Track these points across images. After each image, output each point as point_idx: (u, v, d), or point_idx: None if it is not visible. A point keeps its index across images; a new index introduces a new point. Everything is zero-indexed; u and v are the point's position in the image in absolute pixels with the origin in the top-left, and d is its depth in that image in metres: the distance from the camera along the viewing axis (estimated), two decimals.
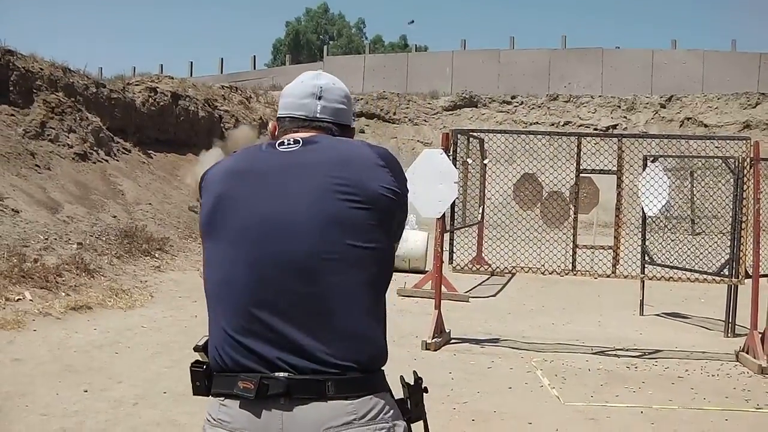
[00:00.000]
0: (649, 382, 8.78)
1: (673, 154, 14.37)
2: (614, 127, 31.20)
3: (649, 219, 12.53)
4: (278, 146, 2.52)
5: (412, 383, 2.56)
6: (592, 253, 11.51)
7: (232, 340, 2.36)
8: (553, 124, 31.72)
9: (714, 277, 10.95)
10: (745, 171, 10.43)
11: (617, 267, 10.62)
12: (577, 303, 13.81)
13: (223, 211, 2.46)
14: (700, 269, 11.41)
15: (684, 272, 11.46)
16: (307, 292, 2.32)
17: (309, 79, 2.69)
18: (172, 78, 26.99)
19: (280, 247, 2.36)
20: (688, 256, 12.11)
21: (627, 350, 10.27)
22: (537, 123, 31.71)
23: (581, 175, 11.45)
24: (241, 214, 2.43)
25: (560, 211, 11.62)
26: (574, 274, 10.74)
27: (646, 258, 12.50)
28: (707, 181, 13.76)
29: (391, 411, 2.38)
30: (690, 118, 31.79)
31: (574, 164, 11.06)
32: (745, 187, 10.47)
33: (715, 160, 12.78)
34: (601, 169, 11.10)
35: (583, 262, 11.01)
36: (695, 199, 14.93)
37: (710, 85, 33.28)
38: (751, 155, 10.31)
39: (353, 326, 2.33)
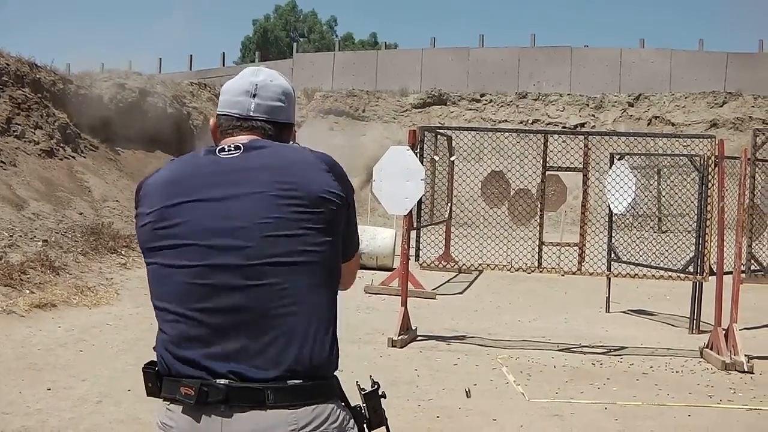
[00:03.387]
0: (613, 378, 8.83)
1: (641, 152, 14.45)
2: (582, 125, 31.25)
3: (616, 216, 12.60)
4: (219, 152, 2.48)
5: (369, 389, 2.52)
6: (559, 250, 11.57)
7: (176, 347, 2.35)
8: (521, 122, 31.76)
9: (679, 275, 11.02)
10: (710, 169, 10.50)
11: (583, 264, 10.67)
12: (543, 300, 13.87)
13: (165, 223, 2.42)
14: (666, 266, 11.49)
15: (649, 269, 11.53)
16: (251, 301, 2.30)
17: (247, 76, 2.62)
18: (141, 74, 26.85)
19: (225, 256, 2.33)
20: (655, 253, 12.20)
21: (592, 347, 10.31)
22: (506, 121, 31.75)
23: (549, 173, 11.50)
24: (184, 225, 2.40)
25: (527, 208, 11.66)
26: (540, 271, 10.79)
27: (613, 255, 12.56)
28: (674, 179, 13.87)
29: (338, 420, 2.35)
30: (657, 117, 31.93)
31: (542, 162, 11.09)
32: (710, 185, 10.54)
33: (682, 158, 12.86)
34: (568, 167, 11.14)
35: (550, 260, 11.06)
36: (662, 197, 15.06)
37: (678, 84, 33.48)
38: (716, 153, 10.39)
39: (297, 334, 2.30)
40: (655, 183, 15.65)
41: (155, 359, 2.45)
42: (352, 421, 2.43)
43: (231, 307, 2.31)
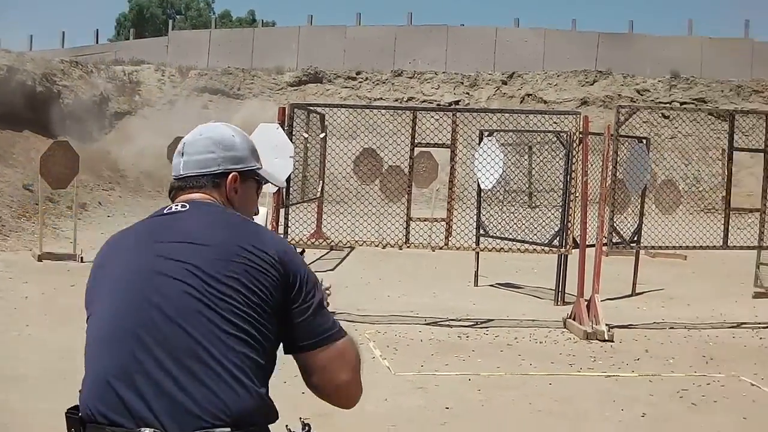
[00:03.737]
0: (479, 350, 8.99)
1: (514, 129, 14.65)
2: (457, 102, 31.51)
3: (489, 192, 12.79)
4: (165, 210, 2.50)
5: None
6: (427, 225, 11.68)
7: (101, 391, 2.23)
8: (396, 100, 31.78)
9: (543, 248, 11.26)
10: (575, 145, 10.74)
11: (450, 239, 10.79)
12: (413, 275, 13.96)
13: (103, 272, 2.43)
14: (535, 240, 11.72)
15: (516, 243, 11.75)
16: (170, 342, 2.22)
17: (186, 136, 2.64)
18: (9, 51, 26.12)
19: (152, 296, 2.28)
20: (525, 228, 12.43)
21: (460, 320, 10.47)
22: (381, 99, 31.78)
23: (421, 149, 11.62)
24: (116, 269, 2.39)
25: (399, 185, 11.75)
26: (408, 247, 10.87)
27: (481, 230, 12.74)
28: (544, 156, 14.11)
29: None
30: (530, 95, 32.43)
31: (410, 139, 11.18)
32: (574, 160, 10.78)
33: (552, 135, 13.12)
34: (436, 143, 11.24)
35: (419, 235, 11.15)
36: (533, 173, 15.32)
37: (551, 62, 34.03)
38: (581, 129, 10.62)
39: (219, 380, 2.18)
40: (527, 159, 15.92)
41: (77, 404, 2.32)
42: None
43: (150, 349, 2.22)
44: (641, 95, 31.67)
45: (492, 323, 10.36)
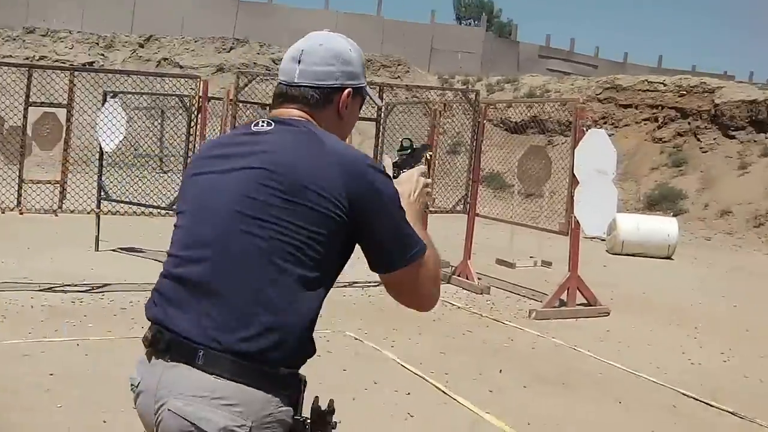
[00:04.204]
0: (91, 315, 8.93)
1: (136, 92, 14.54)
2: (91, 63, 30.79)
3: (117, 156, 12.71)
4: (253, 127, 2.46)
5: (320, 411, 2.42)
6: (51, 189, 11.40)
7: (155, 294, 2.43)
8: (27, 58, 30.50)
9: (168, 211, 11.35)
10: (194, 108, 10.86)
11: (65, 202, 10.64)
12: (30, 240, 13.43)
13: (183, 190, 2.55)
14: (163, 205, 11.76)
15: (139, 207, 11.74)
16: (207, 269, 2.30)
17: (300, 41, 2.55)
18: None
19: (201, 225, 2.37)
20: (154, 192, 12.42)
21: (76, 285, 10.31)
22: (11, 56, 30.39)
23: (45, 110, 11.33)
24: (190, 193, 2.48)
25: (18, 146, 11.40)
26: (21, 212, 10.59)
27: (103, 194, 12.56)
28: (178, 121, 14.14)
29: (258, 411, 2.22)
30: (167, 59, 32.34)
31: (44, 99, 10.96)
32: (192, 123, 10.91)
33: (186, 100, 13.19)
34: (51, 102, 11.01)
35: (40, 199, 10.90)
36: (165, 137, 15.33)
37: (190, 28, 34.03)
38: (200, 94, 10.75)
39: (234, 310, 2.26)
40: (159, 124, 15.88)
41: None
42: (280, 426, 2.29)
43: (198, 267, 2.32)
44: (276, 64, 32.40)
45: (109, 288, 10.31)
